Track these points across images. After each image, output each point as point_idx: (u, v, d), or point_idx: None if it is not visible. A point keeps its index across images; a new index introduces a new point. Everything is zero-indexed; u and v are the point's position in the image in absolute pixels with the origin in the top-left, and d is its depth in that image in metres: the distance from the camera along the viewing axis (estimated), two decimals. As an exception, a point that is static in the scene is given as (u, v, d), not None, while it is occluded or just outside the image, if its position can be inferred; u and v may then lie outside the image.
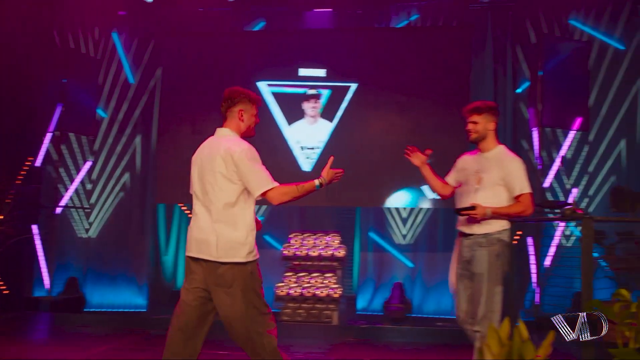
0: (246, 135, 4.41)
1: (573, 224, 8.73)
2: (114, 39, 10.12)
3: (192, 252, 4.16)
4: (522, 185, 4.80)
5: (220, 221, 4.10)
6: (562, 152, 8.93)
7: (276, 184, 4.14)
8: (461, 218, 4.90)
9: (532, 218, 4.79)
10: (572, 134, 8.87)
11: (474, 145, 5.04)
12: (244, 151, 4.15)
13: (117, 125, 10.07)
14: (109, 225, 10.04)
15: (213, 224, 4.11)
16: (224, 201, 4.11)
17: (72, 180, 9.80)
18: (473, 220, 4.79)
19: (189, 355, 4.16)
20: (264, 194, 4.12)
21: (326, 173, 4.35)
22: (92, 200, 10.00)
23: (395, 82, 9.04)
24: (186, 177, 9.20)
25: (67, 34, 9.88)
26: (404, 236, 9.67)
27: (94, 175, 10.02)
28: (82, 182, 9.93)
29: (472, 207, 4.66)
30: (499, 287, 4.77)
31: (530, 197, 4.81)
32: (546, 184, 8.77)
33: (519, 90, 9.53)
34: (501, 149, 4.96)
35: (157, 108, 9.93)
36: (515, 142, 9.41)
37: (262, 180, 4.12)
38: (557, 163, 8.87)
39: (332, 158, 4.44)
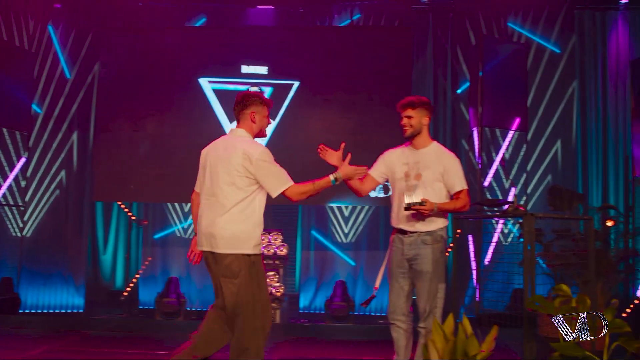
0: (258, 136, 4.65)
1: (511, 222, 8.90)
2: (49, 32, 9.83)
3: (203, 246, 4.41)
4: (462, 182, 4.88)
5: (230, 216, 4.31)
6: (502, 152, 9.09)
7: (292, 182, 4.38)
8: (401, 215, 4.88)
9: (475, 215, 4.85)
10: (511, 134, 9.03)
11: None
12: (262, 153, 4.36)
13: (53, 121, 9.77)
14: (45, 224, 9.74)
15: (222, 218, 4.31)
16: (236, 198, 4.34)
17: (5, 178, 9.46)
18: (417, 217, 4.79)
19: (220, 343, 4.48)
20: (282, 193, 4.36)
21: (344, 168, 4.55)
22: (27, 198, 9.67)
23: (337, 81, 9.05)
24: (125, 174, 9.02)
25: (0, 26, 9.54)
26: (346, 235, 9.68)
27: (29, 173, 9.69)
28: (16, 179, 9.60)
29: (422, 203, 4.61)
30: (443, 284, 4.84)
31: (468, 193, 4.88)
32: (486, 183, 8.90)
33: (459, 91, 9.65)
34: (437, 145, 5.00)
35: (95, 104, 9.69)
36: (455, 142, 9.55)
37: (280, 181, 4.37)
38: (497, 162, 9.02)
39: (349, 155, 4.64)
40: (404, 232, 4.90)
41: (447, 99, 9.68)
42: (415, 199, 4.65)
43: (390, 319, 4.97)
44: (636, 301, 7.65)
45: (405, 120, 4.91)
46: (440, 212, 4.79)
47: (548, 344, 3.73)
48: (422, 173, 4.87)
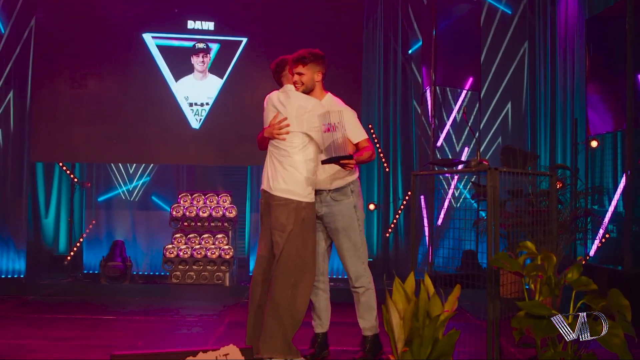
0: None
1: (462, 183, 8.87)
2: (-19, -17, 9.26)
3: None
4: (360, 132, 4.67)
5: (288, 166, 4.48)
6: (454, 111, 9.03)
7: None
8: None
9: (438, 171, 4.69)
10: (464, 94, 8.97)
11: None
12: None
13: (-14, 79, 9.26)
14: (-19, 186, 9.29)
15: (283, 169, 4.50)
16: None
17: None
18: (328, 175, 4.60)
19: None
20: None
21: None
22: (-39, 159, 9.20)
23: (286, 39, 8.78)
24: (65, 134, 8.60)
25: None
26: (296, 196, 9.49)
27: (-37, 132, 9.20)
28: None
29: (350, 156, 4.27)
30: (363, 238, 4.67)
31: (369, 141, 4.70)
32: (438, 143, 8.84)
33: (410, 51, 9.52)
34: (331, 98, 4.75)
35: (32, 60, 9.19)
36: (405, 103, 9.44)
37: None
38: (449, 123, 8.97)
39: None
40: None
41: (397, 59, 9.54)
42: (341, 152, 4.26)
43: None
44: (583, 261, 7.71)
45: (296, 77, 4.62)
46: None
47: (509, 304, 3.66)
48: None
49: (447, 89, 9.07)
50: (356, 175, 4.72)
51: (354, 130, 4.63)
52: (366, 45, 9.35)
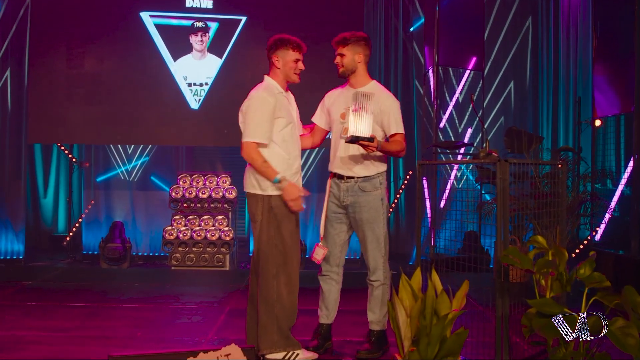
0: (289, 82, 4.52)
1: (464, 165, 8.76)
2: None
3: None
4: (399, 125, 4.55)
5: None
6: (457, 92, 8.89)
7: (258, 139, 4.29)
8: (338, 159, 4.58)
9: (443, 161, 4.57)
10: (467, 74, 8.83)
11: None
12: (254, 98, 4.36)
13: (-17, 59, 9.06)
14: (-23, 168, 9.16)
15: None
16: None
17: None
18: (355, 160, 4.51)
19: None
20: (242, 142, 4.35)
21: (290, 187, 4.30)
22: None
23: (286, 18, 8.65)
24: (62, 114, 8.47)
25: None
26: (296, 177, 9.40)
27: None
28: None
29: (371, 139, 4.18)
30: (386, 231, 4.59)
31: (405, 138, 4.59)
32: (441, 124, 8.71)
33: (412, 29, 9.36)
34: (376, 84, 4.64)
35: (29, 40, 9.01)
36: (406, 83, 9.30)
37: (248, 130, 4.33)
38: (452, 104, 8.84)
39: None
40: (340, 176, 4.59)
41: (398, 37, 9.38)
42: (364, 132, 4.17)
43: (323, 268, 4.71)
44: (581, 246, 7.64)
45: (337, 59, 4.56)
46: (381, 153, 4.48)
47: (519, 297, 3.57)
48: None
49: (450, 68, 8.90)
50: (385, 166, 4.63)
51: (393, 121, 4.52)
52: (367, 23, 9.17)
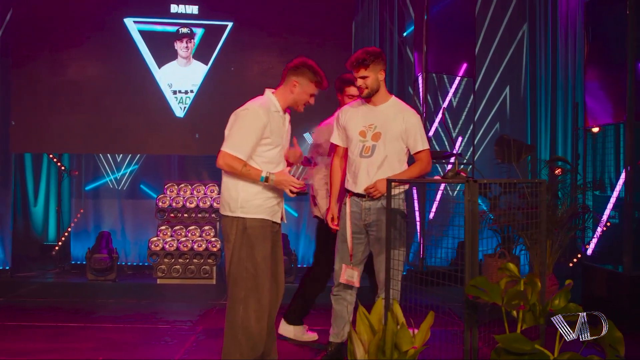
0: (291, 107, 4.32)
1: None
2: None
3: None
4: (424, 141, 4.44)
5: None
6: (448, 98, 8.67)
7: (236, 152, 4.05)
8: (360, 179, 4.44)
9: (409, 179, 4.41)
10: (457, 80, 8.61)
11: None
12: (243, 110, 4.19)
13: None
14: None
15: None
16: None
17: None
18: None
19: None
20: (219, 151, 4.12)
21: (280, 175, 4.10)
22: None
23: (274, 23, 8.47)
24: (46, 123, 8.30)
25: None
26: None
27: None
28: None
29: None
30: (404, 250, 4.40)
31: (429, 153, 4.48)
32: (431, 132, 8.47)
33: (405, 34, 9.15)
34: (396, 101, 4.51)
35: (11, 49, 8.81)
36: (402, 88, 9.09)
37: (228, 141, 4.11)
38: (441, 110, 8.61)
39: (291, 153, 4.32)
40: (362, 195, 4.43)
41: (393, 41, 9.18)
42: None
43: (336, 288, 4.58)
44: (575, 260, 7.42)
45: (360, 82, 4.37)
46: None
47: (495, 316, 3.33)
48: (381, 132, 4.39)
49: (444, 75, 8.67)
50: (407, 185, 4.53)
51: (419, 138, 4.44)
52: (361, 26, 9.02)
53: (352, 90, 4.95)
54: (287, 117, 4.31)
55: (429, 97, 8.47)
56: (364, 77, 4.35)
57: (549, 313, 2.92)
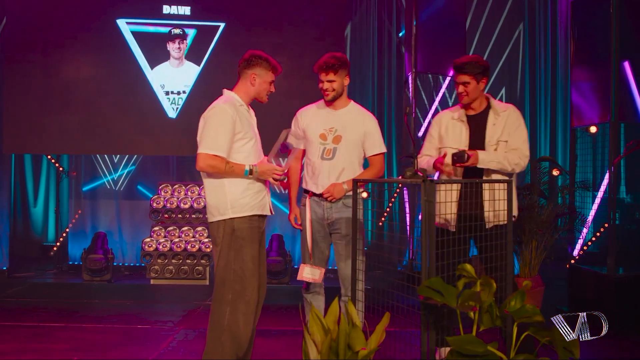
0: (257, 100, 4.39)
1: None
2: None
3: None
4: (381, 145, 4.62)
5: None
6: (438, 99, 8.62)
7: (214, 151, 4.04)
8: (320, 180, 4.54)
9: (373, 179, 4.50)
10: (448, 80, 8.57)
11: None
12: (213, 109, 4.22)
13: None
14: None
15: None
16: None
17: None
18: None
19: None
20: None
21: (263, 165, 4.15)
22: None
23: (268, 24, 8.45)
24: (39, 124, 8.30)
25: None
26: (284, 184, 9.15)
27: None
28: None
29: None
30: (364, 248, 4.47)
31: (384, 157, 4.67)
32: (420, 132, 8.43)
33: (401, 34, 9.11)
34: (355, 105, 4.68)
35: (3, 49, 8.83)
36: (399, 88, 9.04)
37: (204, 142, 4.09)
38: (432, 111, 8.56)
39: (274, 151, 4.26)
40: (319, 195, 4.54)
41: (392, 42, 9.13)
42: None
43: (310, 286, 4.61)
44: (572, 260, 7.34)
45: (327, 85, 4.52)
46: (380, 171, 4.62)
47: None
48: (342, 135, 4.53)
49: (439, 75, 8.63)
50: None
51: (377, 141, 4.61)
52: (359, 27, 9.00)
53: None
54: (252, 111, 4.38)
55: (424, 97, 8.44)
56: (331, 81, 4.49)
57: (505, 315, 2.88)
